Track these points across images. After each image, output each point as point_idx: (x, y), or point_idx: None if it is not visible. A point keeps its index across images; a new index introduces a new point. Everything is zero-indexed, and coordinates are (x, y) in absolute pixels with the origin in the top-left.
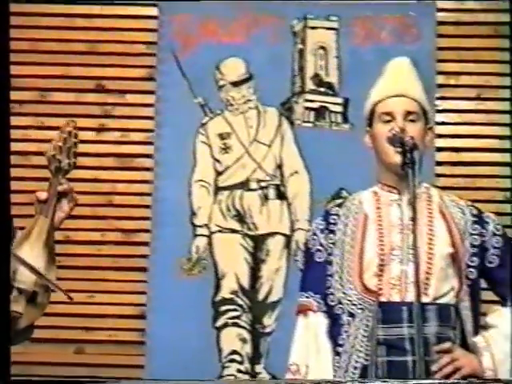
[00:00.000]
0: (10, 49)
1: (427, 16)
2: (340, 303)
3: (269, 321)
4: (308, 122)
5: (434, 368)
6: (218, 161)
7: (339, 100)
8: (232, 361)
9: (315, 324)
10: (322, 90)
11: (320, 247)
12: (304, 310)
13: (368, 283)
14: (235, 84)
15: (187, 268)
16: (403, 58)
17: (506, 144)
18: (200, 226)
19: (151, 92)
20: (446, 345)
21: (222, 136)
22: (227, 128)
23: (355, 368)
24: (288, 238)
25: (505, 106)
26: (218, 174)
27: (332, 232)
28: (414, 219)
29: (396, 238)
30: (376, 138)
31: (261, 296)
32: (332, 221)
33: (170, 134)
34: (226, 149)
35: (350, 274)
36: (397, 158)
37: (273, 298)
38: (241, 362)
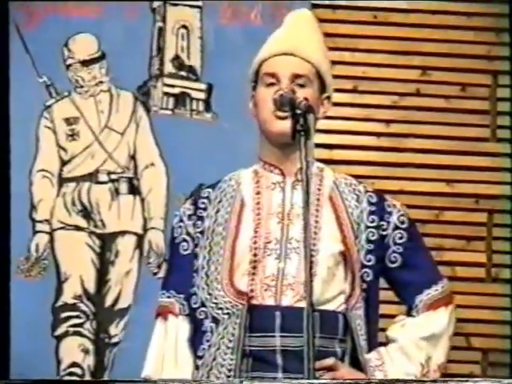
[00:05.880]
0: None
1: None
2: (203, 306)
3: (116, 330)
4: (166, 108)
5: None
6: (63, 149)
7: (202, 86)
8: (71, 374)
9: (175, 330)
10: (183, 73)
11: (186, 237)
12: (164, 313)
13: (238, 283)
14: (85, 63)
15: (25, 268)
16: (304, 9)
17: (383, 142)
18: (40, 222)
19: None
20: (329, 361)
21: (68, 121)
22: (75, 112)
23: None
24: (140, 238)
25: (382, 100)
26: (64, 163)
27: (200, 219)
28: (306, 202)
29: (274, 228)
30: (258, 103)
31: (108, 302)
32: (202, 205)
33: (10, 116)
34: (73, 135)
35: (218, 270)
36: (281, 126)
37: (121, 304)
38: (81, 376)
